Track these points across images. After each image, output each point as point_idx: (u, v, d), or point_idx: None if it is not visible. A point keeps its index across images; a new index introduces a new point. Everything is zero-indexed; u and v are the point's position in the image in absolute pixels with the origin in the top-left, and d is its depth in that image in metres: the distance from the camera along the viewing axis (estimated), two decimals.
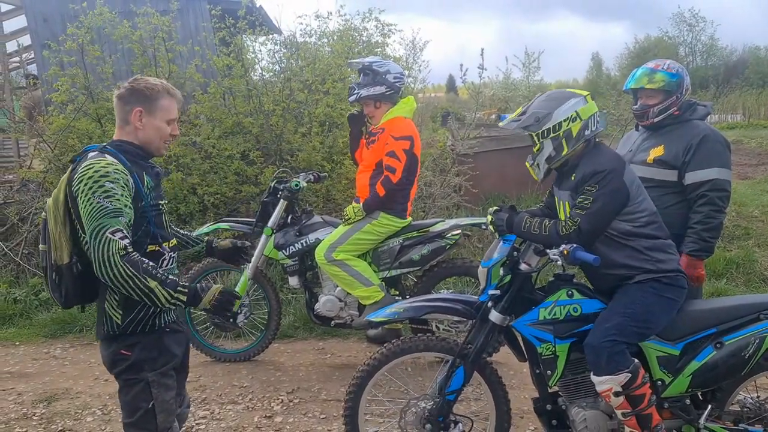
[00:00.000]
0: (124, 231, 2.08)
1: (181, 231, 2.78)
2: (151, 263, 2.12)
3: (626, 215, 2.60)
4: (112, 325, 2.23)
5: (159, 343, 2.29)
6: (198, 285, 2.21)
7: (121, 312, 2.22)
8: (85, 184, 2.09)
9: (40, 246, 2.25)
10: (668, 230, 2.75)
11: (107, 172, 2.11)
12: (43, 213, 2.23)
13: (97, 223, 2.05)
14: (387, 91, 4.13)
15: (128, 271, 2.04)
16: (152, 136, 2.29)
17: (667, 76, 3.22)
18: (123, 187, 2.13)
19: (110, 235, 2.04)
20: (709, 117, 3.40)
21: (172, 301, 2.11)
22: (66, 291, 2.20)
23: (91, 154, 2.20)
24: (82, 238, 2.17)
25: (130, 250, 2.07)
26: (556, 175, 2.84)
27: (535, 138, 2.67)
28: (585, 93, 2.73)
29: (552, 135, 2.63)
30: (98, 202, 2.06)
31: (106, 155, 2.19)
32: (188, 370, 2.58)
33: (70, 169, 2.23)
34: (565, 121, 2.62)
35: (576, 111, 2.64)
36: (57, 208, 2.16)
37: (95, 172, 2.10)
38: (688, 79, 3.28)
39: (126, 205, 2.12)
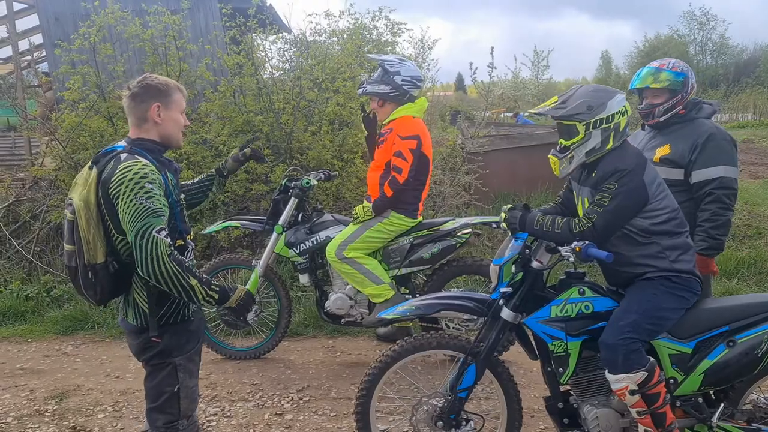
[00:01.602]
0: (166, 229, 2.17)
1: (191, 181, 2.88)
2: (190, 262, 2.25)
3: (646, 212, 2.59)
4: (148, 318, 2.32)
5: (186, 331, 2.41)
6: (226, 285, 2.34)
7: (156, 306, 2.31)
8: (126, 186, 2.15)
9: (68, 247, 2.27)
10: None
11: (145, 174, 2.18)
12: (68, 214, 2.25)
13: (143, 222, 2.12)
14: (391, 92, 4.11)
15: (175, 269, 2.14)
16: (171, 128, 2.38)
17: (673, 75, 3.21)
18: (159, 186, 2.21)
19: (156, 234, 2.12)
20: (715, 115, 3.40)
21: (207, 298, 2.24)
22: (101, 289, 2.27)
23: (123, 156, 2.25)
24: (115, 238, 2.25)
25: (173, 249, 2.17)
26: (576, 170, 2.83)
27: (581, 127, 2.62)
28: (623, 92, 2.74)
29: (604, 125, 2.60)
30: (141, 203, 2.14)
31: (138, 156, 2.25)
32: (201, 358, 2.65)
33: (93, 170, 2.25)
34: (617, 113, 2.61)
35: (624, 105, 2.65)
36: (89, 209, 2.20)
37: (135, 174, 2.17)
38: (694, 78, 3.27)
39: (164, 205, 2.21)
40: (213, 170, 2.96)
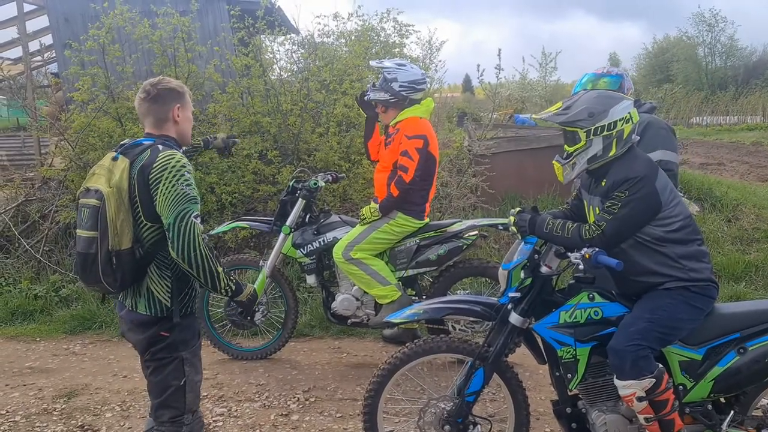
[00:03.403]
0: (200, 217, 2.30)
1: None
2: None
3: (659, 220, 2.57)
4: (162, 309, 2.38)
5: (192, 326, 2.48)
6: (239, 281, 2.46)
7: (170, 296, 2.37)
8: (170, 172, 2.27)
9: (88, 233, 2.29)
10: None
11: (185, 164, 2.32)
12: (92, 200, 2.28)
13: (183, 207, 2.24)
14: (390, 99, 4.15)
15: (207, 254, 2.27)
16: (187, 126, 2.55)
17: (610, 78, 3.40)
18: (193, 178, 2.34)
19: (194, 219, 2.25)
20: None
21: (226, 287, 2.38)
22: (122, 275, 2.31)
23: (161, 147, 2.36)
24: (142, 225, 2.32)
25: (204, 236, 2.28)
26: (584, 178, 2.82)
27: (583, 134, 2.60)
28: (630, 98, 2.72)
29: (605, 133, 2.58)
30: (182, 189, 2.27)
31: (173, 149, 2.38)
32: None
33: (118, 160, 2.31)
34: (620, 120, 2.58)
35: (629, 113, 2.62)
36: (121, 195, 2.27)
37: (177, 161, 2.30)
38: (630, 81, 3.48)
39: (198, 194, 2.33)
40: (200, 141, 3.17)
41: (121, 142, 2.47)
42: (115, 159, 2.33)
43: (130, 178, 2.29)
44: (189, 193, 2.26)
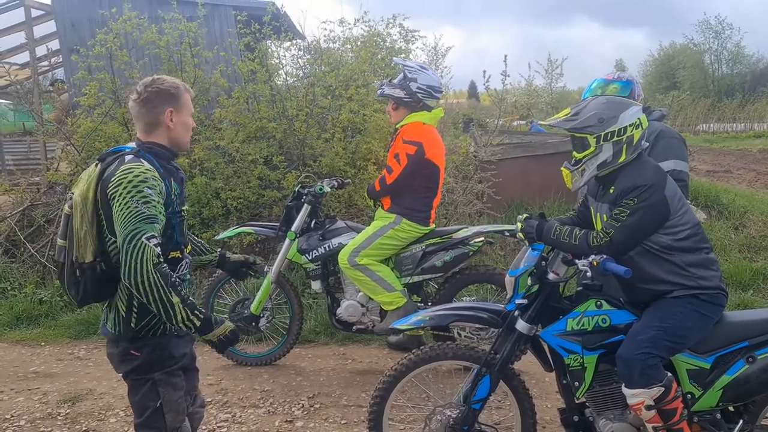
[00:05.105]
0: (158, 238, 2.10)
1: (196, 239, 2.78)
2: (177, 279, 2.15)
3: (667, 228, 2.56)
4: (126, 327, 2.24)
5: (167, 345, 2.31)
6: (213, 316, 2.25)
7: (136, 315, 2.23)
8: (124, 188, 2.09)
9: (60, 241, 2.24)
10: None
11: (146, 178, 2.13)
12: (66, 208, 2.21)
13: (134, 227, 2.06)
14: (405, 97, 4.14)
15: (157, 281, 2.05)
16: (182, 132, 2.32)
17: (620, 85, 3.36)
18: (159, 194, 2.16)
19: (146, 241, 2.05)
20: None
21: (187, 322, 2.13)
22: (84, 289, 2.20)
23: (128, 158, 2.21)
24: (107, 239, 2.18)
25: (161, 260, 2.09)
26: (591, 184, 2.80)
27: (592, 140, 2.58)
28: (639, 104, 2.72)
29: (615, 139, 2.56)
30: (136, 207, 2.07)
31: (143, 160, 2.21)
32: (198, 369, 2.58)
33: (97, 168, 2.22)
34: (630, 126, 2.57)
35: (639, 118, 2.61)
36: (85, 206, 2.15)
37: (135, 176, 2.12)
38: (639, 87, 3.43)
39: (160, 212, 2.14)
40: (219, 251, 2.81)
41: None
42: (96, 165, 2.22)
43: (96, 189, 2.16)
44: (144, 212, 2.06)
